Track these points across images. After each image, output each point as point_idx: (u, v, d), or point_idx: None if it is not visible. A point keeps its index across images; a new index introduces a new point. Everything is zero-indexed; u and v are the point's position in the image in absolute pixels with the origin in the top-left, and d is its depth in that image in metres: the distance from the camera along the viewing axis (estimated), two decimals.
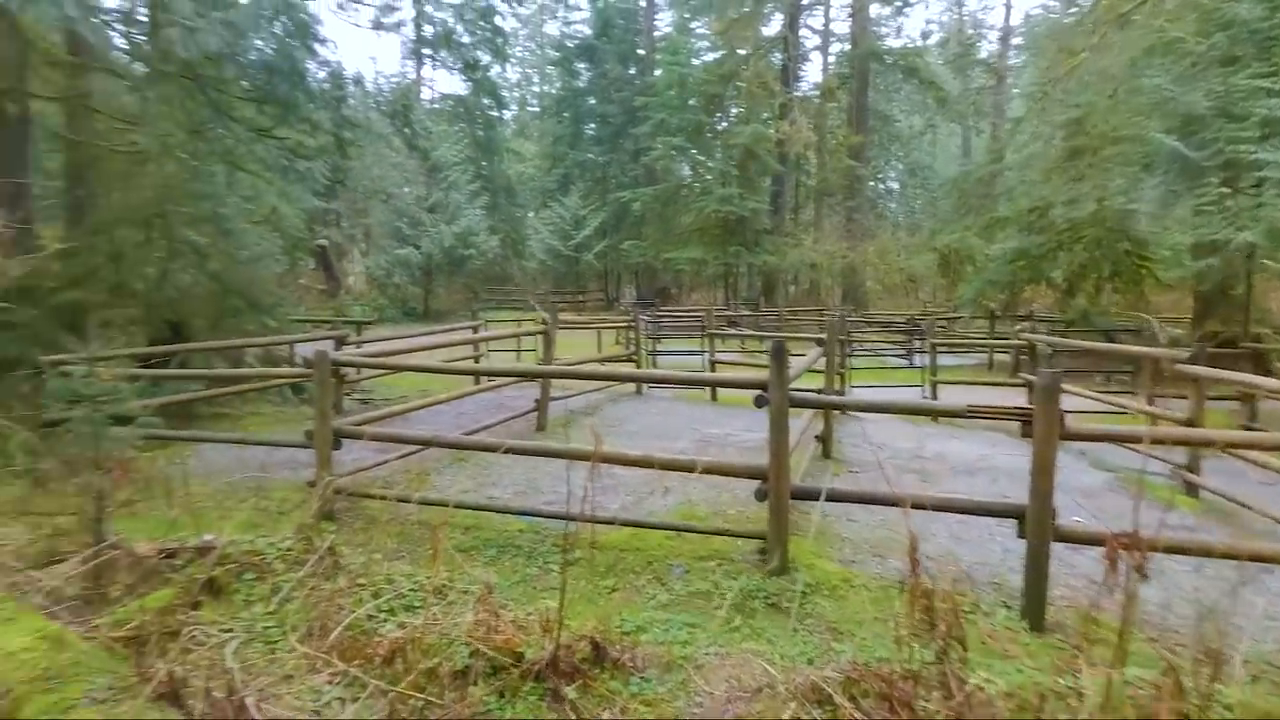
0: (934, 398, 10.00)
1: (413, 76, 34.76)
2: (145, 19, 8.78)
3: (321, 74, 12.57)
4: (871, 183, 36.50)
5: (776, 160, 27.40)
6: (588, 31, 35.71)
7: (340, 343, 8.94)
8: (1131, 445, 5.49)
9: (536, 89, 53.77)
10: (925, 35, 35.93)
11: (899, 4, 31.62)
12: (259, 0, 8.46)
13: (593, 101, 35.73)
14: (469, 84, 34.52)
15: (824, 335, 7.39)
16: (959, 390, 10.56)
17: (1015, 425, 4.17)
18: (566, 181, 35.42)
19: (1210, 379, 5.60)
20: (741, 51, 28.76)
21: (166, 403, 6.86)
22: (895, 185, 43.92)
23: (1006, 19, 39.81)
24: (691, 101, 28.43)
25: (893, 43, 32.21)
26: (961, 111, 32.95)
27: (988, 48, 38.64)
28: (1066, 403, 8.49)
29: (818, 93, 31.34)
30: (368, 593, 3.59)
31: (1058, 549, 3.75)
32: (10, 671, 2.56)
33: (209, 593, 3.47)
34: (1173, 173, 10.82)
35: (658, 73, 31.40)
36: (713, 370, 11.20)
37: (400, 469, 6.09)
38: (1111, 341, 12.33)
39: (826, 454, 7.06)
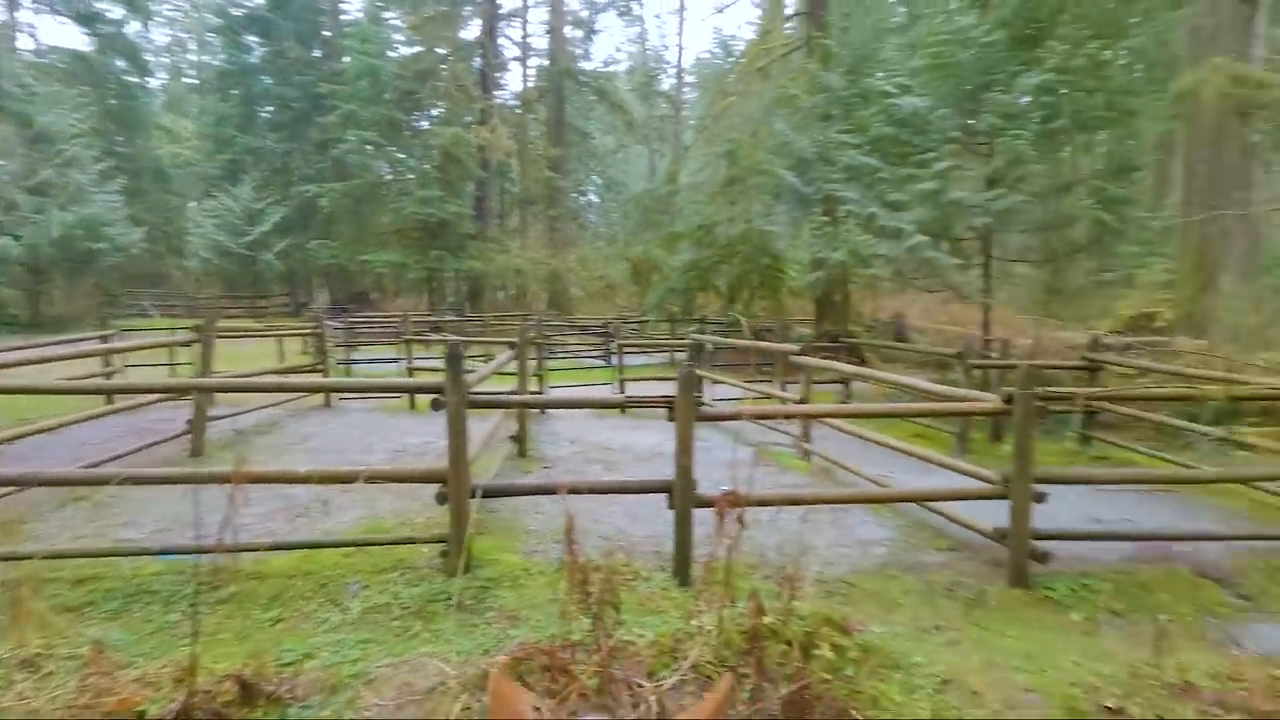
0: (622, 392, 10.96)
1: (2, 18, 27.03)
2: None
3: None
4: (574, 194, 38.52)
5: (479, 165, 27.35)
6: (259, 0, 31.46)
7: None
8: (760, 421, 6.69)
9: (193, 58, 45.79)
10: (610, 62, 39.15)
11: (589, 29, 33.92)
12: None
13: (268, 81, 31.58)
14: (93, 39, 27.99)
15: (516, 339, 7.62)
16: (645, 385, 11.74)
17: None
18: (236, 169, 30.67)
19: (814, 367, 7.10)
20: (440, 51, 28.11)
21: None
22: (595, 198, 47.00)
23: (680, 59, 45.33)
24: (386, 95, 26.91)
25: (586, 64, 34.45)
26: (646, 135, 36.63)
27: (668, 81, 43.68)
28: (725, 391, 9.90)
29: (518, 103, 32.07)
30: None
31: (708, 515, 4.43)
32: None
33: None
34: (794, 202, 13.48)
35: (347, 60, 29.05)
36: (410, 377, 10.77)
37: None
38: (760, 340, 14.85)
39: (522, 453, 7.29)
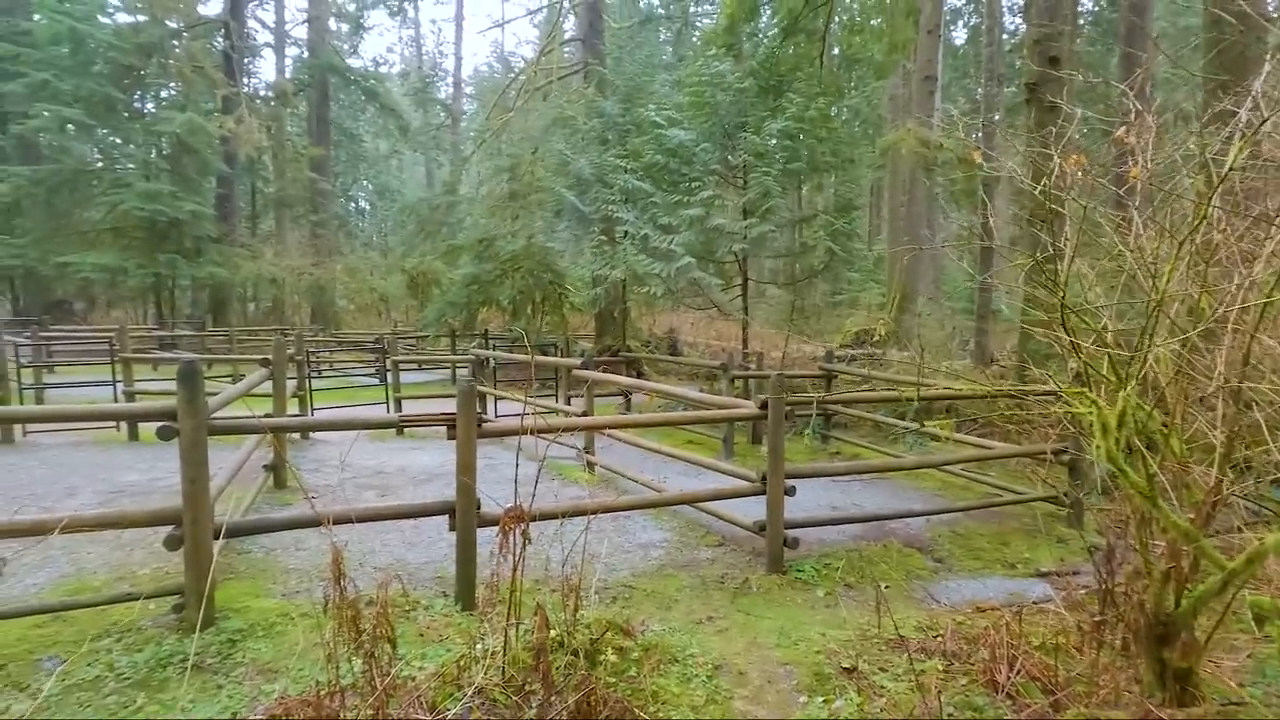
0: (398, 411, 10.31)
1: None
2: None
3: None
4: (341, 199, 35.55)
5: (222, 160, 24.03)
6: None
7: None
8: (543, 435, 6.74)
9: None
10: (382, 62, 37.03)
11: (356, 24, 31.73)
12: None
13: None
14: None
15: (271, 356, 6.81)
16: (423, 404, 11.16)
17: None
18: None
19: (594, 380, 7.32)
20: (171, 24, 24.26)
21: None
22: (366, 205, 43.84)
23: (458, 69, 44.15)
24: (96, 68, 22.50)
25: (353, 61, 32.11)
26: (423, 143, 35.11)
27: (445, 89, 42.33)
28: (505, 406, 9.76)
29: (272, 94, 28.84)
30: None
31: (493, 534, 4.31)
32: None
33: None
34: (574, 220, 13.86)
35: (37, 18, 23.79)
36: (131, 402, 9.07)
37: None
38: (544, 355, 14.95)
39: (279, 483, 6.51)
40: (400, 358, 11.82)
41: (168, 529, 3.55)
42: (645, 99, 13.63)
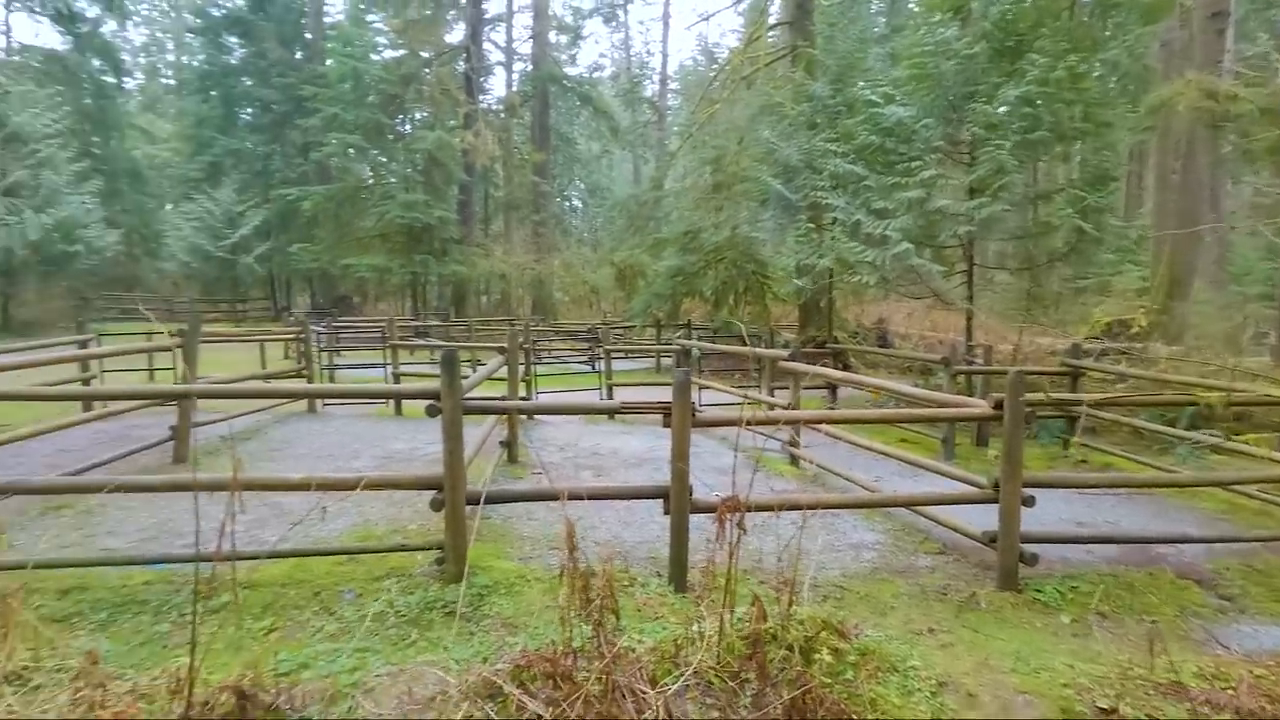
0: (610, 397, 10.96)
1: None
2: None
3: None
4: (558, 199, 38.50)
5: (463, 170, 27.26)
6: (238, 1, 31.10)
7: None
8: (744, 428, 6.76)
9: (171, 58, 45.15)
10: (595, 68, 39.25)
11: (574, 34, 33.97)
12: None
13: (249, 83, 31.23)
14: (69, 39, 27.51)
15: (505, 344, 7.60)
16: (632, 391, 11.75)
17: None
18: (216, 171, 30.24)
19: (801, 372, 7.16)
20: (424, 54, 28.02)
21: None
22: (579, 203, 47.01)
23: (664, 65, 45.52)
24: (369, 99, 26.73)
25: (570, 70, 34.53)
26: (631, 141, 36.71)
27: (651, 87, 43.87)
28: (712, 396, 9.93)
29: (502, 107, 32.02)
30: None
31: (704, 520, 4.44)
32: None
33: None
34: (779, 209, 13.61)
35: (329, 63, 28.82)
36: (396, 383, 10.69)
37: None
38: (745, 345, 14.94)
39: (512, 459, 7.27)
40: (611, 347, 12.53)
41: (431, 493, 4.15)
42: (857, 77, 12.92)
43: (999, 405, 4.29)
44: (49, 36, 48.07)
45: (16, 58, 29.09)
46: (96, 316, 20.69)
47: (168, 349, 8.49)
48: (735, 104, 18.84)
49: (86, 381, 9.20)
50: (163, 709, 2.53)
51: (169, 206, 32.54)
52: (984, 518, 4.92)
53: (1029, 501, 4.30)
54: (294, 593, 3.97)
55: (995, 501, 4.36)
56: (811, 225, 12.55)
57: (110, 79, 30.39)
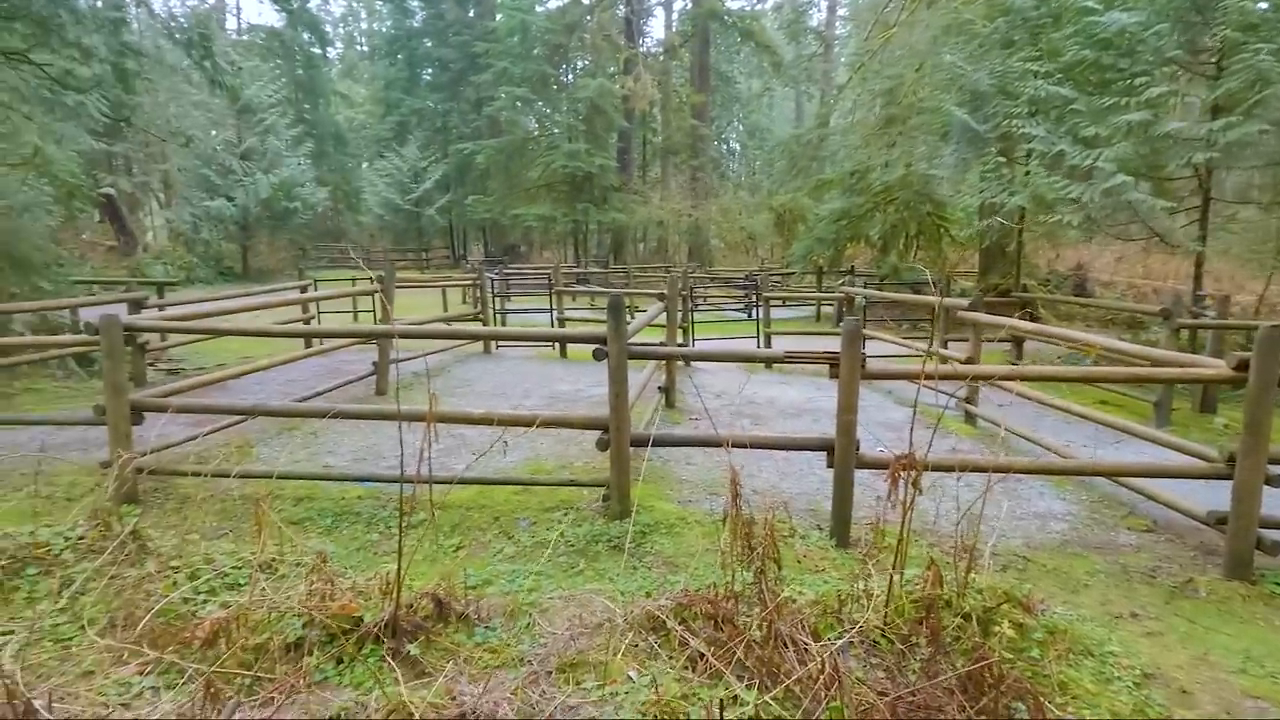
0: (767, 345, 10.75)
1: (213, 1, 30.47)
2: None
3: None
4: (715, 142, 37.66)
5: (623, 117, 27.40)
6: None
7: (137, 306, 7.87)
8: (922, 382, 6.32)
9: (364, 26, 49.29)
10: (758, 1, 37.19)
11: None
12: None
13: (429, 44, 33.39)
14: (284, 16, 30.89)
15: (665, 291, 7.65)
16: (790, 340, 11.44)
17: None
18: (403, 130, 33.00)
19: (984, 324, 6.52)
20: (585, 2, 28.18)
21: None
22: (737, 146, 45.68)
23: None
24: (535, 51, 27.51)
25: (732, 4, 33.04)
26: (794, 76, 34.72)
27: (817, 16, 40.92)
28: (876, 347, 9.43)
29: (661, 49, 31.56)
30: (183, 575, 3.33)
31: (866, 476, 4.26)
32: None
33: None
34: (964, 142, 12.26)
35: (499, 18, 29.94)
36: (561, 328, 11.23)
37: (218, 443, 5.57)
38: (916, 294, 13.89)
39: (670, 404, 7.41)
40: (770, 293, 12.22)
41: (597, 433, 4.34)
42: None
43: (1242, 366, 3.62)
44: (269, 15, 54.25)
45: (245, 36, 33.30)
46: (312, 265, 23.75)
47: (369, 293, 9.51)
48: (914, 26, 17.03)
49: (306, 322, 10.64)
50: (377, 606, 2.92)
51: (364, 165, 36.13)
52: (1211, 497, 4.25)
53: (1275, 481, 3.63)
54: (477, 516, 4.38)
55: (1227, 478, 3.74)
56: (1001, 159, 11.20)
57: (317, 50, 33.85)
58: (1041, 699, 2.45)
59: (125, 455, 3.54)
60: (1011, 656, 2.69)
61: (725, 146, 43.66)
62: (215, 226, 24.38)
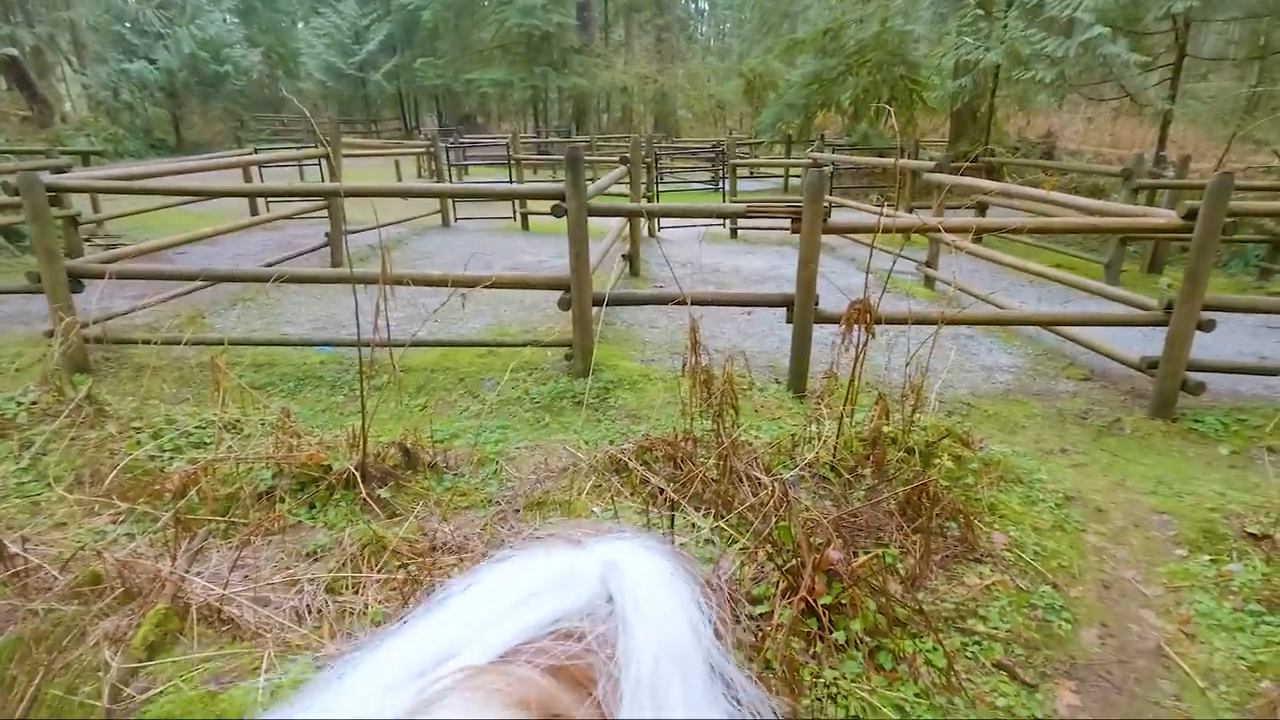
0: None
1: None
2: None
3: None
4: (682, 0, 35.02)
5: None
6: None
7: (60, 174, 7.32)
8: (885, 249, 6.35)
9: None
10: None
11: None
12: None
13: None
14: None
15: (628, 155, 7.38)
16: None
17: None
18: None
19: (948, 185, 6.47)
20: None
21: None
22: (705, 5, 42.56)
23: None
24: None
25: None
26: None
27: None
28: (842, 216, 9.35)
29: None
30: (145, 435, 3.33)
31: (825, 336, 4.35)
32: None
33: None
34: None
35: None
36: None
37: (167, 314, 5.41)
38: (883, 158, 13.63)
39: (634, 272, 7.36)
40: (736, 161, 11.89)
41: (558, 294, 4.31)
42: None
43: (1191, 214, 3.69)
44: None
45: None
46: (251, 137, 22.14)
47: (315, 158, 8.99)
48: None
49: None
50: (344, 456, 2.98)
51: (300, 25, 32.90)
52: (1146, 345, 4.48)
53: (1207, 326, 3.82)
54: (441, 378, 4.41)
55: (1163, 324, 3.92)
56: (980, 12, 10.67)
57: None
58: (972, 517, 2.67)
59: (69, 319, 3.42)
60: (948, 484, 2.91)
61: (693, 5, 40.67)
62: (139, 92, 22.35)
